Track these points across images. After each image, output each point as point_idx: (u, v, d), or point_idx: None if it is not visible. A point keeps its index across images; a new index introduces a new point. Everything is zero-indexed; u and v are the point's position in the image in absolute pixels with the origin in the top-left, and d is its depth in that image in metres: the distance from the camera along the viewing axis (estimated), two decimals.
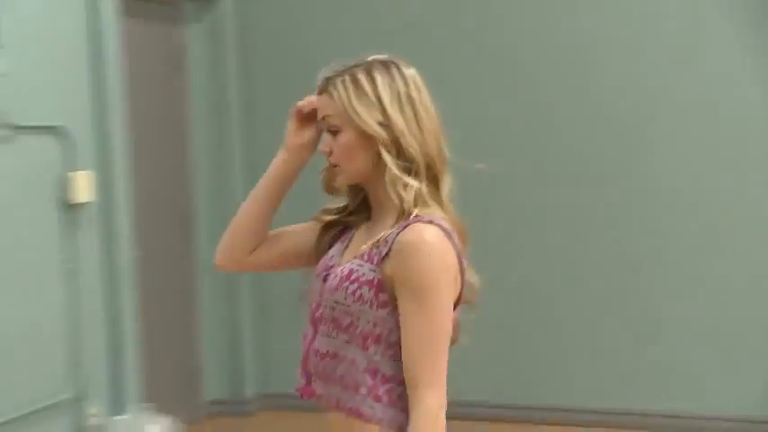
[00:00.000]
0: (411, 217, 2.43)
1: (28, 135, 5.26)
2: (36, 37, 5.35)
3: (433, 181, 2.49)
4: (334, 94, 2.48)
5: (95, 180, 5.64)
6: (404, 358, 2.39)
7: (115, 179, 5.77)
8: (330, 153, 2.52)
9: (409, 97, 2.48)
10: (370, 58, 2.53)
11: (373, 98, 2.46)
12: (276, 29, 7.02)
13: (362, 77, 2.48)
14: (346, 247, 2.58)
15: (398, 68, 2.51)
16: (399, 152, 2.46)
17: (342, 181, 2.55)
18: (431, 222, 2.41)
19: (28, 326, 5.24)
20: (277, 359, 7.09)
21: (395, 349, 2.42)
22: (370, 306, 2.42)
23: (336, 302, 2.47)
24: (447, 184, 2.51)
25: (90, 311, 5.62)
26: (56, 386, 5.41)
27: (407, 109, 2.47)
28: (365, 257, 2.45)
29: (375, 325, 2.43)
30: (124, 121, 5.88)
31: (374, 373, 2.43)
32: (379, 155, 2.46)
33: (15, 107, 5.16)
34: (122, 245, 5.84)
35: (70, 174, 5.48)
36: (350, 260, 2.50)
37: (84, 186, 5.53)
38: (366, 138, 2.46)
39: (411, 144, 2.45)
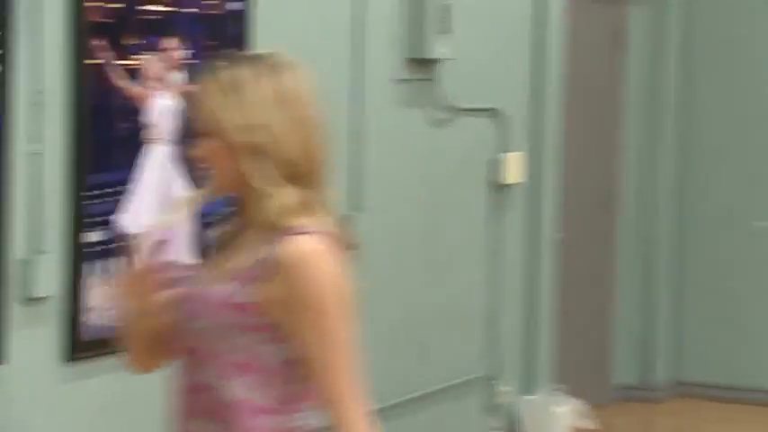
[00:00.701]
0: (284, 229, 2.21)
1: (466, 117, 5.37)
2: (482, 20, 5.42)
3: (310, 186, 2.24)
4: (203, 93, 2.26)
5: (526, 162, 5.69)
6: (318, 379, 2.21)
7: (545, 161, 5.81)
8: (202, 158, 2.28)
9: (284, 98, 2.23)
10: (249, 54, 2.35)
11: (241, 99, 2.21)
12: (723, 23, 6.79)
13: (233, 76, 2.23)
14: (209, 264, 2.31)
15: (277, 68, 2.25)
16: (267, 158, 2.21)
17: (211, 189, 2.29)
18: (306, 233, 2.20)
19: (448, 303, 5.37)
20: (691, 346, 6.96)
21: (269, 378, 2.23)
22: (248, 332, 2.21)
23: (206, 329, 2.24)
24: (326, 189, 2.27)
25: (509, 291, 5.70)
26: (470, 364, 5.53)
27: (280, 111, 2.22)
28: (239, 279, 2.23)
29: (251, 353, 2.22)
30: (560, 104, 5.90)
31: (247, 404, 2.22)
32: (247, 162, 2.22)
33: (458, 90, 5.27)
34: (545, 226, 5.88)
35: (502, 155, 5.56)
36: (218, 280, 2.25)
37: (514, 168, 5.59)
38: (230, 144, 2.22)
39: (282, 149, 2.21)
